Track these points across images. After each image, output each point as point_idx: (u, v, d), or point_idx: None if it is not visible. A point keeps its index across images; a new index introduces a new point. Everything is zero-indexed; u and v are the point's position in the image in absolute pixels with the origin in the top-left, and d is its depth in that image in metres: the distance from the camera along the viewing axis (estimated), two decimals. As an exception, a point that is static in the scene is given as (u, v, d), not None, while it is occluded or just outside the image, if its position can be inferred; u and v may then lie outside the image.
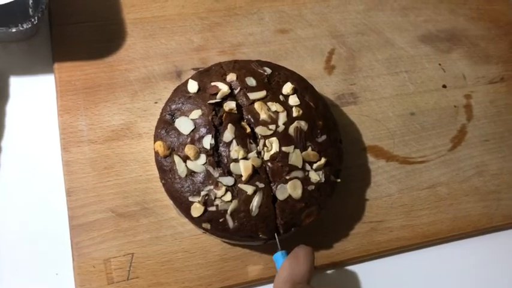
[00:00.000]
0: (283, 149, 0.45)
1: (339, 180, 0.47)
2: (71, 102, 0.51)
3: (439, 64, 0.62)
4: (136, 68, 0.54)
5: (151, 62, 0.54)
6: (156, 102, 0.52)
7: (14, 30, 0.48)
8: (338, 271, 0.50)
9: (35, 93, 0.52)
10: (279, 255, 0.44)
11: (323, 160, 0.46)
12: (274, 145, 0.45)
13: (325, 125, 0.48)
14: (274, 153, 0.45)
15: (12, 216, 0.47)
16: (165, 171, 0.45)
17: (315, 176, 0.45)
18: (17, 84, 0.53)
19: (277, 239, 0.45)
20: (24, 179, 0.49)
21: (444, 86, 0.60)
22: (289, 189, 0.44)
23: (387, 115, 0.57)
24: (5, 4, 0.49)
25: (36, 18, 0.49)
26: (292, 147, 0.45)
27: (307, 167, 0.45)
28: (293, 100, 0.47)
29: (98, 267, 0.45)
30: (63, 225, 0.47)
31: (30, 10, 0.51)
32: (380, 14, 0.63)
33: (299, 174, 0.45)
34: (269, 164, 0.45)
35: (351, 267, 0.51)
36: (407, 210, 0.53)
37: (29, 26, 0.49)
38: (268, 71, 0.49)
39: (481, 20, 0.66)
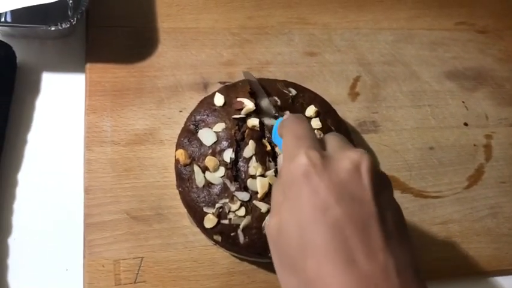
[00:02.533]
0: None
1: None
2: (99, 102, 0.52)
3: (463, 102, 0.62)
4: (165, 75, 0.55)
5: (180, 72, 0.56)
6: (180, 111, 0.53)
7: (53, 29, 0.50)
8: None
9: (65, 90, 0.54)
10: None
11: None
12: None
13: None
14: None
15: (30, 208, 0.48)
16: (183, 179, 0.46)
17: None
18: (49, 80, 0.54)
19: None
20: (45, 173, 0.50)
21: (466, 124, 0.60)
22: None
23: (406, 147, 0.57)
24: (47, 4, 0.50)
25: (74, 19, 0.50)
26: None
27: None
28: (315, 123, 0.48)
29: (107, 267, 0.46)
30: (78, 223, 0.47)
31: (69, 11, 0.53)
32: (409, 47, 0.64)
33: None
34: None
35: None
36: (418, 245, 0.52)
37: (67, 26, 0.50)
38: (293, 92, 0.50)
39: (509, 61, 0.66)
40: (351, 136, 0.51)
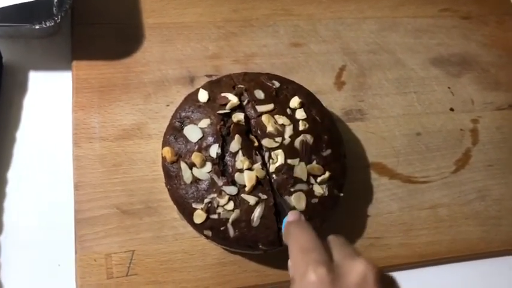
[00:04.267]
0: (289, 161, 0.46)
1: (341, 194, 0.48)
2: (86, 99, 0.53)
3: (448, 87, 0.62)
4: (151, 70, 0.55)
5: (166, 66, 0.56)
6: (167, 105, 0.54)
7: (37, 27, 0.50)
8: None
9: (52, 88, 0.54)
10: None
11: (327, 174, 0.47)
12: (279, 157, 0.46)
13: (331, 140, 0.49)
14: (280, 165, 0.46)
15: (21, 206, 0.49)
16: (171, 176, 0.46)
17: (318, 189, 0.46)
18: (36, 79, 0.55)
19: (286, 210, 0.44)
20: (35, 171, 0.50)
21: (452, 109, 0.61)
22: (294, 202, 0.45)
23: (393, 134, 0.58)
24: (31, 2, 0.51)
25: (59, 17, 0.51)
26: (298, 160, 0.46)
27: (312, 180, 0.46)
28: (300, 114, 0.48)
29: (99, 261, 0.46)
30: (69, 218, 0.48)
31: (54, 9, 0.53)
32: (393, 35, 0.64)
33: (303, 187, 0.46)
34: (274, 176, 0.46)
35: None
36: (407, 229, 0.53)
37: (52, 24, 0.50)
38: (277, 84, 0.50)
39: (494, 47, 0.67)
40: (336, 126, 0.51)
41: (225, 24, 0.60)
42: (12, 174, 0.50)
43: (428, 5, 0.68)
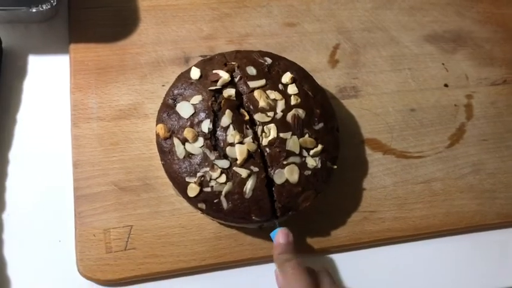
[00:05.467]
0: (281, 135, 0.47)
1: (335, 166, 0.49)
2: (83, 81, 0.54)
3: (443, 64, 0.63)
4: (147, 52, 0.57)
5: (161, 48, 0.57)
6: (163, 85, 0.55)
7: (34, 10, 0.52)
8: (328, 258, 0.52)
9: (51, 71, 0.55)
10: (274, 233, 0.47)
11: (320, 147, 0.47)
12: (272, 131, 0.47)
13: (323, 114, 0.49)
14: (272, 138, 0.46)
15: (22, 185, 0.50)
16: (165, 152, 0.47)
17: (311, 162, 0.47)
18: (35, 62, 0.56)
19: (276, 222, 0.47)
20: (35, 151, 0.51)
21: (446, 85, 0.61)
22: (287, 174, 0.46)
23: (387, 110, 0.58)
24: (27, -15, 0.52)
25: (55, 0, 0.52)
26: (290, 133, 0.47)
27: (304, 153, 0.47)
28: (292, 89, 0.49)
29: (98, 236, 0.47)
30: (69, 196, 0.49)
31: (50, -8, 0.54)
32: (387, 13, 0.65)
33: (296, 159, 0.47)
34: (267, 149, 0.46)
35: (341, 255, 0.52)
36: (401, 203, 0.54)
37: (48, 7, 0.52)
38: (269, 61, 0.51)
39: (488, 23, 0.67)
40: (329, 100, 0.52)
41: (219, 5, 0.61)
42: (13, 155, 0.51)
43: (422, -18, 0.68)
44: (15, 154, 0.51)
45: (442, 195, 0.55)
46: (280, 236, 0.46)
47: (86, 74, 0.54)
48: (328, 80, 0.59)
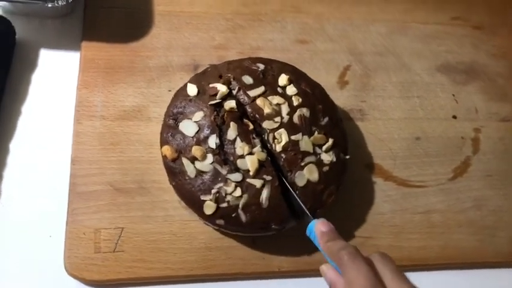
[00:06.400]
0: (293, 137, 0.47)
1: (347, 156, 0.49)
2: (91, 78, 0.54)
3: (453, 95, 0.62)
4: (157, 56, 0.57)
5: (172, 53, 0.57)
6: (169, 90, 0.55)
7: (49, 5, 0.52)
8: (319, 280, 0.51)
9: (61, 67, 0.56)
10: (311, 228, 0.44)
11: (330, 141, 0.48)
12: (283, 136, 0.47)
13: (325, 108, 0.50)
14: (285, 143, 0.47)
15: (19, 176, 0.50)
16: (175, 173, 0.47)
17: (326, 157, 0.48)
18: (46, 56, 0.56)
19: (307, 212, 0.45)
20: (36, 143, 0.52)
21: (454, 117, 0.61)
22: (307, 174, 0.46)
23: (392, 136, 0.58)
24: (45, -19, 0.52)
25: (71, -3, 0.53)
26: (300, 134, 0.47)
27: (318, 150, 0.48)
28: (291, 90, 0.50)
29: (88, 235, 0.47)
30: (64, 192, 0.49)
31: (67, -11, 0.55)
32: (401, 39, 0.64)
33: (312, 158, 0.47)
34: (282, 155, 0.47)
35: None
36: (398, 232, 0.53)
37: (64, 3, 0.52)
38: (262, 66, 0.51)
39: (503, 58, 0.66)
40: (327, 93, 0.52)
41: (234, 16, 0.61)
42: (14, 145, 0.51)
43: (439, 12, 0.68)
44: (15, 145, 0.51)
45: (440, 227, 0.54)
46: (320, 225, 0.42)
47: (94, 72, 0.54)
48: (336, 100, 0.58)
